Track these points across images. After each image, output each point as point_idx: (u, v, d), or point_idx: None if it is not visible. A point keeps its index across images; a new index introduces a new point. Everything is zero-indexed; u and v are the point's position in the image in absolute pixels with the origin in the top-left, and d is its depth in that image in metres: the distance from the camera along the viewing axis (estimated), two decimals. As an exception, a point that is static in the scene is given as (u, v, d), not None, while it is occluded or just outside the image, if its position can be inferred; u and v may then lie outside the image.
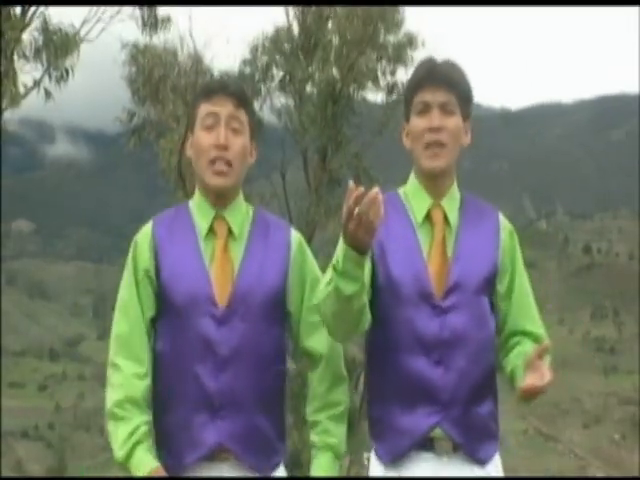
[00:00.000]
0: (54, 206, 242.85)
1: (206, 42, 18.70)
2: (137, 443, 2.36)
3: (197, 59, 16.50)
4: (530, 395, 2.30)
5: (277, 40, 17.51)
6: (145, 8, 14.02)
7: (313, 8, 17.32)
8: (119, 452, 2.36)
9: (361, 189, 2.12)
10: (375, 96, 18.17)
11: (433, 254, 2.46)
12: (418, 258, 2.45)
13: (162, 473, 2.37)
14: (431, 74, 2.47)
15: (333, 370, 2.56)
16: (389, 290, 2.44)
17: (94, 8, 13.17)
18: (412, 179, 2.57)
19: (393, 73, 17.69)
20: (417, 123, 2.48)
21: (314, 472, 2.52)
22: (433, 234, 2.48)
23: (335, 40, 17.54)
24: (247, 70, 17.57)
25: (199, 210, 2.53)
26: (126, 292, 2.50)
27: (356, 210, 2.12)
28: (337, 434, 2.53)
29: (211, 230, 2.50)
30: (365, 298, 2.32)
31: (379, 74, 17.61)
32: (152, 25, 14.35)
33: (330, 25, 17.56)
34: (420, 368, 2.42)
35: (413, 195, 2.53)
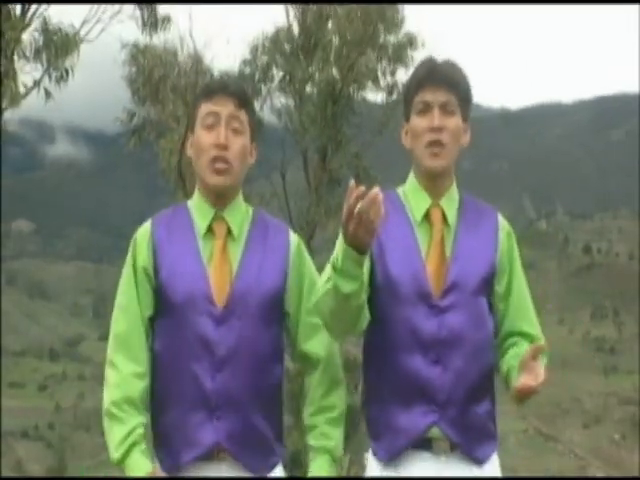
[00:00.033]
0: (54, 206, 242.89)
1: (206, 42, 18.74)
2: (133, 445, 2.36)
3: (197, 59, 16.50)
4: (524, 395, 2.31)
5: (277, 40, 17.51)
6: (145, 8, 14.00)
7: (313, 8, 17.32)
8: (115, 453, 2.36)
9: (362, 188, 2.12)
10: (375, 96, 18.20)
11: (431, 254, 2.46)
12: (416, 257, 2.45)
13: (159, 474, 2.38)
14: (432, 74, 2.48)
15: (330, 374, 2.56)
16: (387, 289, 2.44)
17: (94, 8, 13.17)
18: (411, 178, 2.57)
19: (393, 73, 17.70)
20: (418, 123, 2.48)
21: (312, 475, 2.52)
22: (432, 234, 2.49)
23: (335, 40, 17.55)
24: (247, 70, 17.58)
25: (198, 210, 2.53)
26: (125, 291, 2.50)
27: (356, 209, 2.12)
28: (334, 437, 2.53)
29: (210, 230, 2.50)
30: (364, 297, 2.32)
31: (379, 74, 17.62)
32: (152, 25, 14.34)
33: (330, 25, 17.57)
34: (418, 367, 2.42)
35: (412, 194, 2.54)
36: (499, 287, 2.53)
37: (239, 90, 2.53)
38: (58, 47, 12.33)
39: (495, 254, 2.51)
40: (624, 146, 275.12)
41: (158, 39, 15.38)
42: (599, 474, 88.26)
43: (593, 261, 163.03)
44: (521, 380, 2.27)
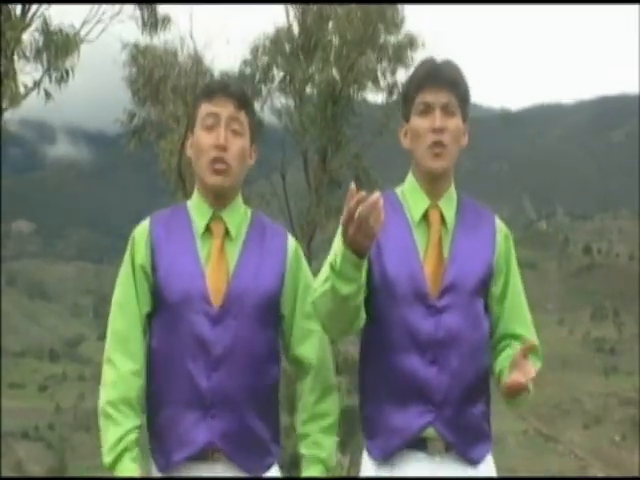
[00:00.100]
0: (54, 206, 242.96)
1: (206, 43, 18.82)
2: (124, 451, 2.36)
3: (197, 60, 16.50)
4: (513, 392, 2.31)
5: (277, 40, 17.51)
6: (145, 8, 14.00)
7: (314, 8, 17.32)
8: (107, 457, 2.37)
9: (362, 193, 2.12)
10: (375, 97, 18.20)
11: (429, 254, 2.46)
12: (414, 258, 2.46)
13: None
14: (433, 75, 2.47)
15: (323, 380, 2.56)
16: (384, 289, 2.44)
17: (94, 8, 13.17)
18: (410, 179, 2.57)
19: (393, 74, 17.70)
20: (419, 123, 2.48)
21: None
22: (429, 234, 2.49)
23: (335, 40, 17.55)
24: (247, 70, 17.59)
25: (197, 210, 2.53)
26: (123, 288, 2.50)
27: (356, 214, 2.12)
28: (327, 447, 2.53)
29: (208, 230, 2.50)
30: (361, 298, 2.32)
31: (379, 75, 17.62)
32: (152, 25, 14.34)
33: (330, 25, 17.57)
34: (414, 367, 2.42)
35: (411, 195, 2.54)
36: (495, 289, 2.53)
37: (239, 91, 2.53)
38: (58, 47, 12.33)
39: (492, 256, 2.52)
40: (624, 147, 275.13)
41: (158, 39, 15.39)
42: (599, 475, 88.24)
43: (593, 261, 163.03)
44: (511, 377, 2.28)
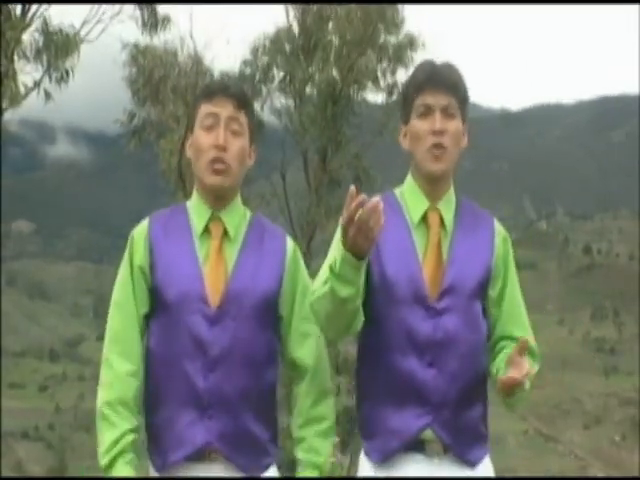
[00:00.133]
0: (54, 206, 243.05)
1: (206, 43, 18.82)
2: (119, 454, 2.37)
3: (197, 60, 16.50)
4: (508, 388, 2.31)
5: (277, 40, 17.52)
6: (145, 8, 14.01)
7: (314, 8, 17.33)
8: (102, 460, 2.38)
9: (363, 196, 2.12)
10: (375, 97, 18.21)
11: (428, 256, 2.47)
12: (413, 260, 2.46)
13: None
14: (432, 77, 2.48)
15: (319, 384, 2.56)
16: (383, 290, 2.44)
17: (94, 9, 13.18)
18: (409, 180, 2.57)
19: (393, 74, 17.71)
20: (419, 126, 2.48)
21: None
22: (429, 237, 2.49)
23: (335, 40, 17.56)
24: (247, 71, 17.59)
25: (196, 210, 2.53)
26: (121, 289, 2.50)
27: (357, 217, 2.12)
28: (323, 452, 2.53)
29: (207, 230, 2.50)
30: (360, 301, 2.32)
31: (379, 75, 17.63)
32: (152, 25, 14.35)
33: (330, 25, 17.58)
34: (412, 369, 2.42)
35: (410, 196, 2.54)
36: (492, 291, 2.53)
37: (239, 92, 2.53)
38: (58, 47, 12.33)
39: (491, 258, 2.52)
40: (624, 147, 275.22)
41: (158, 39, 15.39)
42: (599, 475, 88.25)
43: (593, 262, 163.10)
44: (506, 373, 2.29)
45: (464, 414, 2.45)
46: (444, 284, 2.44)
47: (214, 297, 2.43)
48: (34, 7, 12.39)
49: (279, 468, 2.53)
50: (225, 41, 29.10)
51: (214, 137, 2.46)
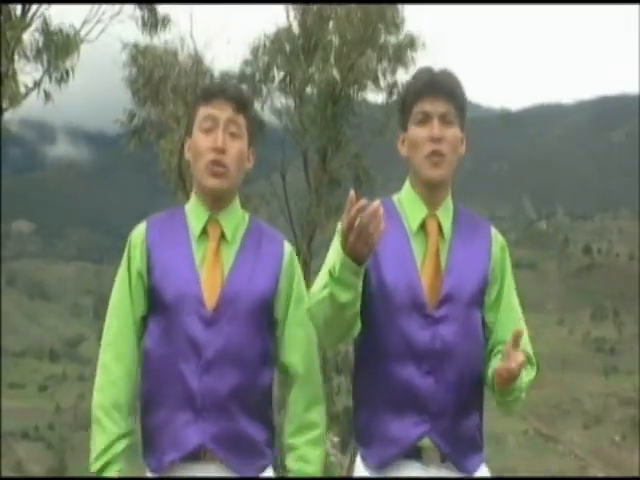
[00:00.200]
0: (54, 206, 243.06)
1: (207, 42, 18.82)
2: (109, 462, 2.40)
3: (197, 60, 16.50)
4: (503, 380, 2.31)
5: (277, 40, 17.52)
6: (145, 8, 14.02)
7: (314, 8, 17.33)
8: (93, 465, 2.42)
9: (363, 200, 2.12)
10: (375, 97, 18.20)
11: (427, 264, 2.47)
12: (412, 268, 2.46)
13: None
14: (431, 84, 2.48)
15: (310, 390, 2.56)
16: (381, 298, 2.44)
17: (94, 9, 13.19)
18: (407, 187, 2.57)
19: (393, 74, 17.70)
20: (417, 133, 2.48)
21: None
22: (427, 244, 2.49)
23: (335, 40, 17.56)
24: (248, 71, 17.59)
25: (194, 212, 2.54)
26: (118, 292, 2.52)
27: (357, 222, 2.12)
28: (314, 461, 2.52)
29: (204, 232, 2.51)
30: (358, 306, 2.32)
31: (379, 75, 17.63)
32: (152, 25, 14.37)
33: (330, 25, 17.58)
34: (410, 377, 2.42)
35: (408, 203, 2.54)
36: (488, 298, 2.53)
37: (238, 94, 2.53)
38: (58, 47, 12.35)
39: (488, 266, 2.52)
40: (624, 147, 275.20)
41: (158, 39, 15.41)
42: (599, 475, 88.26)
43: (593, 261, 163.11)
44: (502, 365, 2.30)
45: (462, 423, 2.45)
46: (442, 292, 2.44)
47: (210, 299, 2.44)
48: (34, 7, 12.40)
49: (275, 470, 2.53)
50: (225, 41, 29.09)
51: (213, 140, 2.47)
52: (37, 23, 12.37)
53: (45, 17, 12.41)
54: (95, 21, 13.21)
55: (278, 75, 17.61)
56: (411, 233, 2.49)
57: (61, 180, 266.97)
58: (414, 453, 2.42)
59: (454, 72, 2.54)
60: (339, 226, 2.25)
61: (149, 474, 2.45)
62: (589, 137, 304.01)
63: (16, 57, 12.06)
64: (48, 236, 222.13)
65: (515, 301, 2.58)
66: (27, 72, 12.34)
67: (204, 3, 20.89)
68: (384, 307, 2.44)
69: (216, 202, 2.51)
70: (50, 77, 12.47)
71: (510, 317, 2.54)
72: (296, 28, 17.60)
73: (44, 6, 12.51)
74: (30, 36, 12.35)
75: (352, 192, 2.14)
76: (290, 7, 17.69)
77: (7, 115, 12.13)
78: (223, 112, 2.48)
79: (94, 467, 2.41)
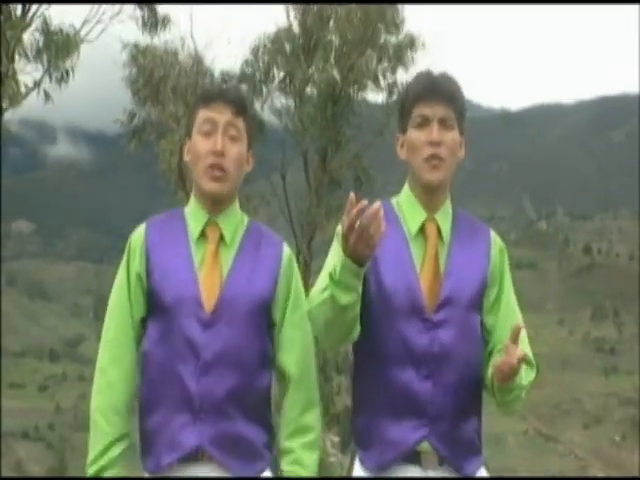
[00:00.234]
0: (54, 206, 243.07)
1: (207, 43, 18.81)
2: (105, 467, 2.42)
3: (198, 60, 16.51)
4: (503, 375, 2.31)
5: (278, 40, 17.52)
6: (145, 8, 14.03)
7: (314, 8, 17.33)
8: (89, 469, 2.43)
9: (363, 202, 2.12)
10: (375, 97, 18.20)
11: (426, 268, 2.47)
12: (411, 271, 2.46)
13: None
14: (430, 88, 2.48)
15: (305, 394, 2.55)
16: (380, 301, 2.44)
17: (94, 9, 13.21)
18: (406, 191, 2.57)
19: (393, 74, 17.71)
20: (416, 136, 2.48)
21: None
22: (426, 248, 2.49)
23: (335, 40, 17.56)
24: (248, 70, 17.59)
25: (193, 215, 2.54)
26: (117, 294, 2.52)
27: (357, 224, 2.12)
28: (309, 465, 2.52)
29: (203, 235, 2.51)
30: (358, 309, 2.32)
31: (379, 75, 17.63)
32: (152, 25, 14.38)
33: (330, 25, 17.58)
34: (409, 381, 2.42)
35: (407, 207, 2.54)
36: (487, 301, 2.53)
37: (237, 97, 2.53)
38: (58, 47, 12.36)
39: (487, 270, 2.52)
40: (624, 147, 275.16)
41: (158, 39, 15.43)
42: (599, 475, 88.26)
43: (593, 261, 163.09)
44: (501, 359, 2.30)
45: (460, 427, 2.45)
46: (441, 296, 2.44)
47: (209, 301, 2.45)
48: (34, 7, 12.42)
49: (273, 471, 2.53)
50: (225, 41, 29.13)
51: (212, 143, 2.47)
52: (37, 23, 12.39)
53: (45, 17, 12.44)
54: (95, 21, 13.24)
55: (278, 75, 17.64)
56: (410, 237, 2.49)
57: (61, 180, 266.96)
58: (413, 457, 2.43)
59: (454, 76, 2.54)
60: (338, 229, 2.25)
61: (147, 475, 2.45)
62: (589, 137, 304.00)
63: (16, 57, 12.07)
64: (48, 236, 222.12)
65: (514, 304, 2.58)
66: (27, 72, 12.36)
67: (204, 3, 20.93)
68: (383, 311, 2.44)
69: (215, 205, 2.52)
70: (50, 77, 12.49)
71: (509, 320, 2.53)
72: (296, 28, 17.61)
73: (44, 6, 12.53)
74: (30, 36, 12.37)
75: (352, 194, 2.14)
76: (290, 7, 17.72)
77: (7, 115, 12.15)
78: (222, 115, 2.48)
79: (90, 471, 2.42)
